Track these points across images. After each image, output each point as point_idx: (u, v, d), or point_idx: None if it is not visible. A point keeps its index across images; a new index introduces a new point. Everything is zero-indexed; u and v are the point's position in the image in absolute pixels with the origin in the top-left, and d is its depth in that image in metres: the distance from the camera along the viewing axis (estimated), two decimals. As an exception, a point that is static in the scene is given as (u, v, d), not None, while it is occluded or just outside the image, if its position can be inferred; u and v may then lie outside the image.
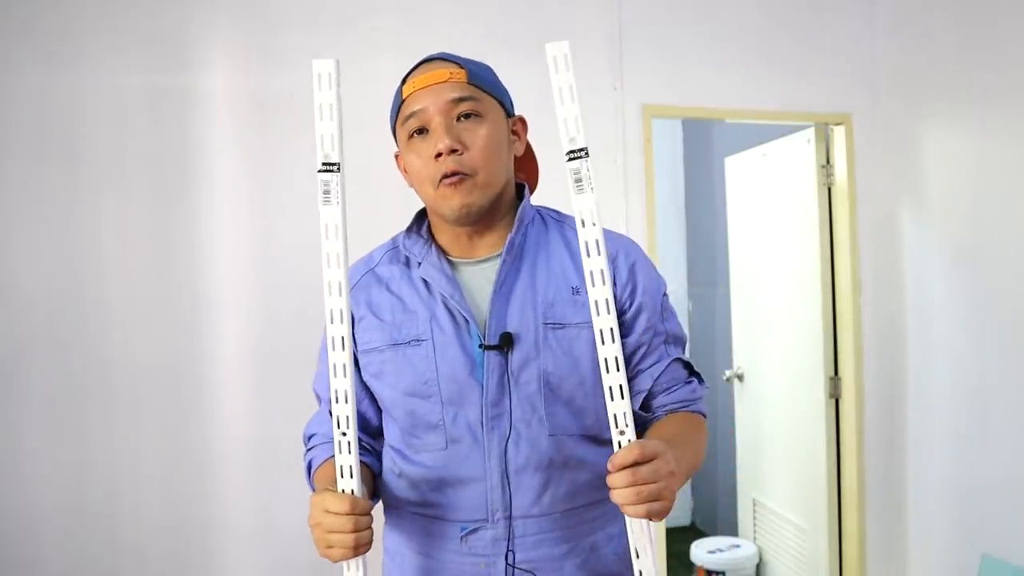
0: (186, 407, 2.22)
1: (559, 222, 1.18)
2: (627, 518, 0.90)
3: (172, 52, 2.22)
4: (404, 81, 1.10)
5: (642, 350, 1.12)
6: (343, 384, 0.93)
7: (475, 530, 1.07)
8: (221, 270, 2.24)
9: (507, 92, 1.15)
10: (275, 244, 2.28)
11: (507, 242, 1.10)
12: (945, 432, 2.64)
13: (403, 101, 1.08)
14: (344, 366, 0.93)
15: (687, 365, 1.17)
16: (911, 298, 2.78)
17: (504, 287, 1.09)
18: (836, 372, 2.91)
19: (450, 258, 1.12)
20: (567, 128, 0.83)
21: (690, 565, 3.41)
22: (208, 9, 2.25)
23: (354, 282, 1.16)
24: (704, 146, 4.23)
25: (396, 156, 1.15)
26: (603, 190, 2.57)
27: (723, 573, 3.25)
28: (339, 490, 0.95)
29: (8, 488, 2.09)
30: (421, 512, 1.10)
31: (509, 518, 1.06)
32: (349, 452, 0.92)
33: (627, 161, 2.60)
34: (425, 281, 1.11)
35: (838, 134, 2.86)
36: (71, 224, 2.14)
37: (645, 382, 1.11)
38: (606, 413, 1.07)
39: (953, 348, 2.60)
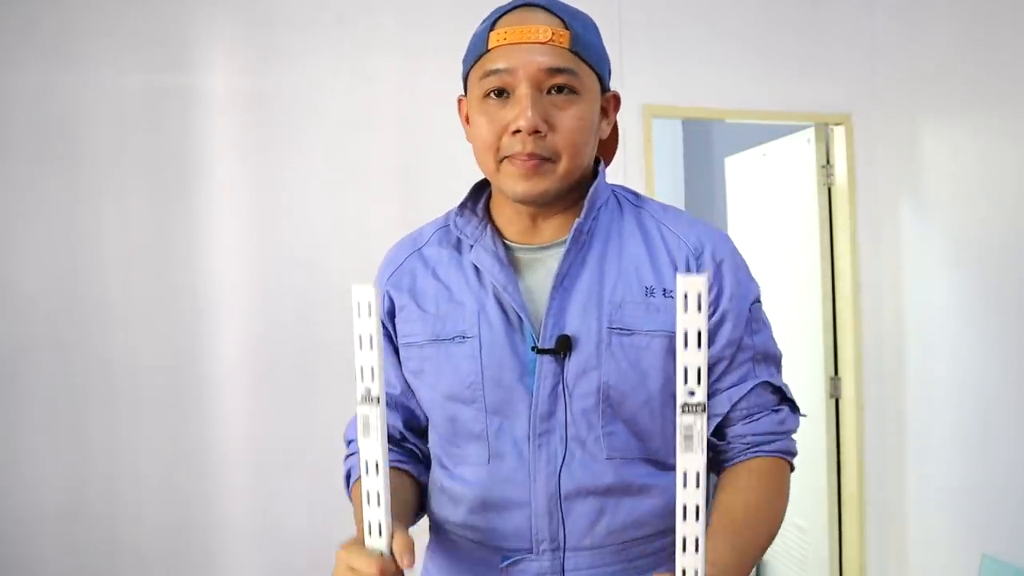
0: (186, 407, 2.22)
1: (637, 207, 1.00)
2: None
3: (172, 52, 2.22)
4: (493, 24, 0.90)
5: (721, 366, 0.94)
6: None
7: (517, 561, 0.92)
8: (221, 270, 2.24)
9: (608, 59, 0.95)
10: (275, 244, 2.28)
11: (573, 228, 0.92)
12: (945, 432, 2.64)
13: (487, 51, 0.89)
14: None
15: (777, 390, 0.98)
16: (911, 298, 2.77)
17: (566, 281, 0.93)
18: (836, 372, 2.91)
19: (508, 242, 0.96)
20: (687, 376, 0.69)
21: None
22: (208, 9, 2.25)
23: (398, 263, 1.01)
24: (704, 146, 4.23)
25: (459, 100, 0.98)
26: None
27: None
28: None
29: (9, 488, 2.09)
30: (463, 535, 0.96)
31: (558, 550, 0.91)
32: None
33: (627, 161, 2.59)
34: (476, 268, 0.95)
35: (838, 134, 2.86)
36: (72, 224, 2.15)
37: (722, 405, 0.94)
38: (675, 436, 0.98)
39: (953, 348, 2.60)
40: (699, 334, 0.67)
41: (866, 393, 2.86)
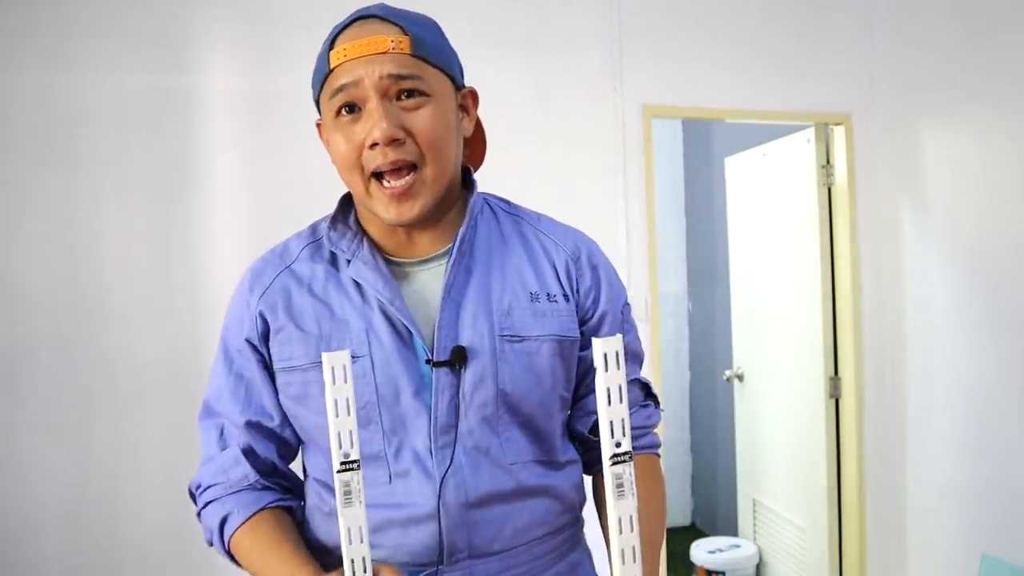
0: (187, 407, 2.21)
1: (513, 216, 1.02)
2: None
3: (172, 52, 2.22)
4: (332, 43, 0.91)
5: None
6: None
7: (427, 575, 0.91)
8: (221, 270, 2.24)
9: (456, 57, 0.95)
10: (275, 244, 2.28)
11: (457, 239, 0.93)
12: (945, 432, 2.64)
13: (330, 71, 0.89)
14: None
15: (644, 386, 1.04)
16: (911, 298, 2.78)
17: (454, 291, 0.92)
18: (836, 372, 2.91)
19: (386, 256, 0.95)
20: (613, 430, 0.72)
21: (690, 565, 3.41)
22: (208, 9, 2.25)
23: (266, 284, 0.96)
24: (704, 146, 4.23)
25: (318, 125, 0.97)
26: (603, 190, 2.57)
27: (723, 573, 3.25)
28: None
29: (10, 488, 2.09)
30: None
31: (468, 558, 0.90)
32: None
33: (627, 161, 2.60)
34: (357, 284, 0.93)
35: (838, 134, 2.86)
36: (72, 224, 2.14)
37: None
38: (563, 434, 0.99)
39: (953, 347, 2.60)
40: (620, 388, 0.71)
41: (866, 393, 2.86)
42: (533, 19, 2.52)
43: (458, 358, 0.90)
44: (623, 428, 0.72)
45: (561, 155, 2.52)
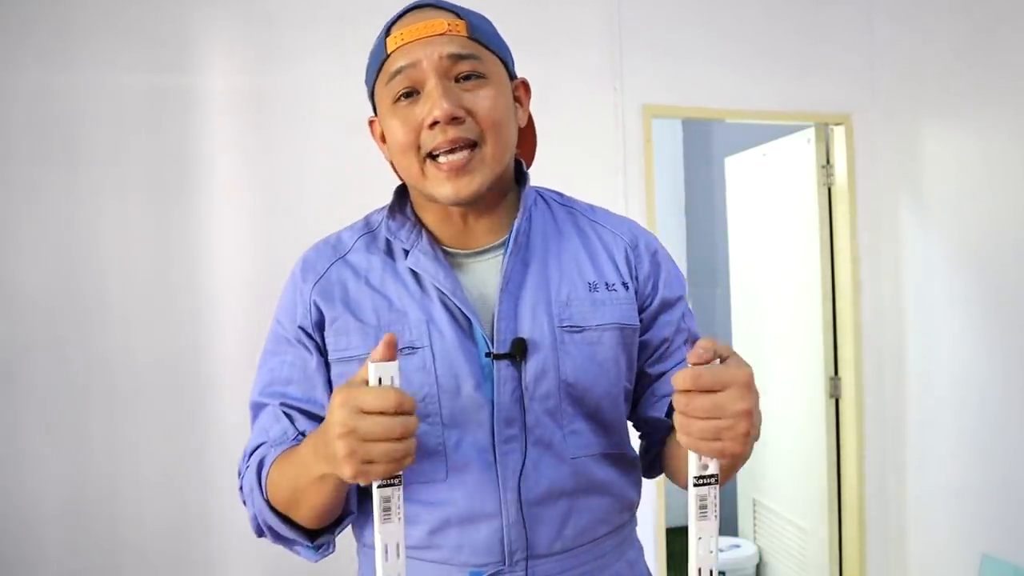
0: (187, 407, 2.22)
1: (567, 207, 1.02)
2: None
3: (172, 52, 2.22)
4: (387, 32, 0.90)
5: (664, 348, 0.97)
6: None
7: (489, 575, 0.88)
8: (221, 270, 2.24)
9: (509, 49, 0.95)
10: (275, 244, 2.28)
11: (513, 230, 0.92)
12: (945, 432, 2.64)
13: (387, 56, 0.88)
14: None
15: None
16: (911, 298, 2.78)
17: (512, 284, 0.91)
18: (836, 372, 2.91)
19: (443, 247, 0.94)
20: (700, 455, 0.72)
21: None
22: (208, 9, 2.25)
23: (320, 272, 0.95)
24: (704, 146, 4.23)
25: (371, 122, 0.97)
26: (603, 190, 2.57)
27: (723, 573, 3.25)
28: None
29: (9, 488, 2.09)
30: (418, 557, 0.90)
31: (530, 558, 0.89)
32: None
33: (627, 161, 2.59)
34: (415, 275, 0.92)
35: (838, 134, 2.86)
36: (71, 224, 2.14)
37: (671, 385, 0.96)
38: (626, 424, 0.97)
39: (953, 347, 2.60)
40: None
41: (866, 393, 2.86)
42: (533, 19, 2.52)
43: (519, 350, 0.88)
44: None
45: (561, 155, 2.52)
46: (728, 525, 3.87)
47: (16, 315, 2.10)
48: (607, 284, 0.95)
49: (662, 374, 0.97)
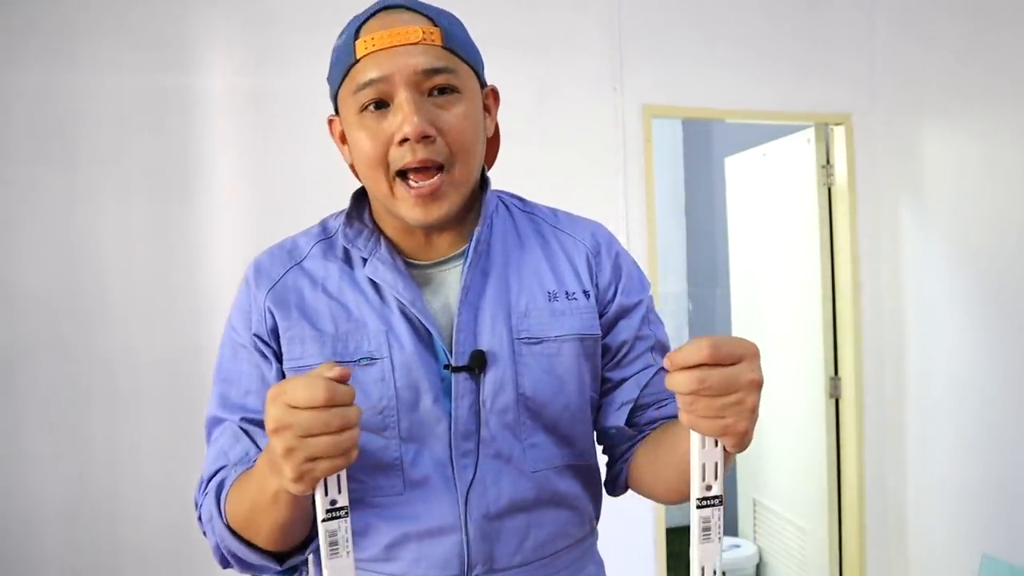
0: (188, 407, 2.22)
1: (527, 214, 0.99)
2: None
3: (173, 53, 2.22)
4: (356, 32, 0.85)
5: (623, 354, 0.95)
6: None
7: None
8: (221, 270, 2.25)
9: (480, 54, 0.91)
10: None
11: (473, 239, 0.89)
12: (945, 432, 2.64)
13: (356, 62, 0.83)
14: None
15: None
16: (911, 298, 2.78)
17: (471, 294, 0.89)
18: (836, 372, 2.91)
19: (403, 256, 0.91)
20: (704, 473, 0.70)
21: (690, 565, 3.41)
22: (208, 9, 2.25)
23: (275, 279, 0.91)
24: (704, 146, 4.23)
25: (330, 121, 0.93)
26: (603, 190, 2.57)
27: (723, 573, 3.25)
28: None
29: (10, 487, 2.09)
30: (375, 571, 0.88)
31: (489, 572, 0.87)
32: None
33: (627, 161, 2.60)
34: (375, 284, 0.89)
35: (838, 134, 2.86)
36: (72, 224, 2.15)
37: (631, 391, 0.94)
38: (591, 436, 0.96)
39: (953, 348, 2.60)
40: (715, 440, 0.70)
41: (866, 393, 2.86)
42: (533, 20, 2.52)
43: (477, 363, 0.86)
44: (715, 472, 0.70)
45: (561, 155, 2.53)
46: (728, 525, 3.87)
47: (17, 315, 2.11)
48: (567, 293, 0.93)
49: (622, 380, 0.95)
